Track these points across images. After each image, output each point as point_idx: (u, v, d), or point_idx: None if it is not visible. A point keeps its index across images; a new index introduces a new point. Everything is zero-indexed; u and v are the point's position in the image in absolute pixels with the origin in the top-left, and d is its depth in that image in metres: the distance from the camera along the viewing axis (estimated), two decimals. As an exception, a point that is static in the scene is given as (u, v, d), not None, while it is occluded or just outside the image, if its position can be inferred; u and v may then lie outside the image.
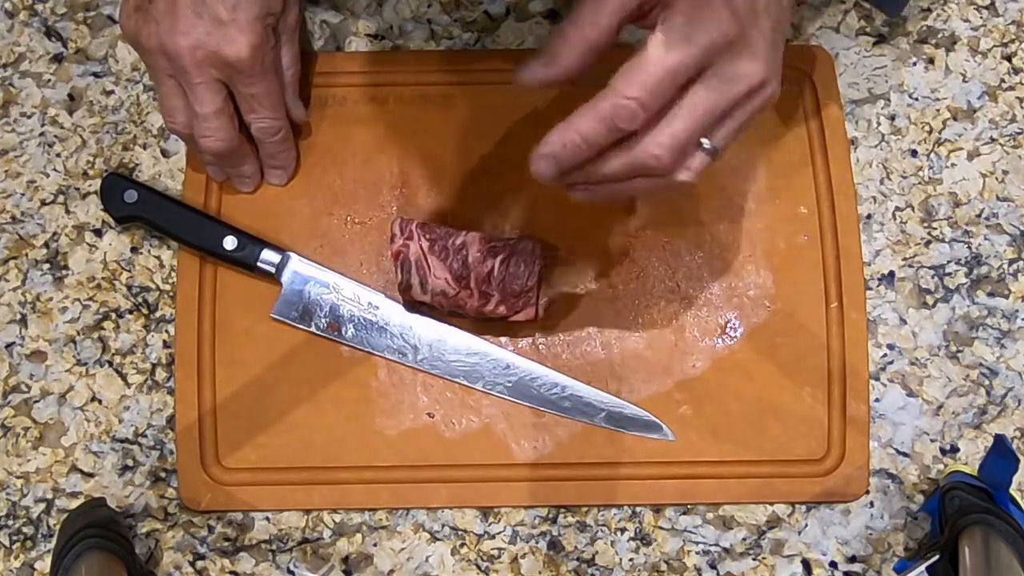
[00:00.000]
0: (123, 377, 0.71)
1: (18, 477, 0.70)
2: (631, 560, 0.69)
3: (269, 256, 0.69)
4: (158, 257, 0.72)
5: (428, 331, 0.70)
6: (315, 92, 0.73)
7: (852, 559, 0.69)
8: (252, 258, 0.69)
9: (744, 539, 0.69)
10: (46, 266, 0.72)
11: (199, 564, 0.69)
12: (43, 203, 0.73)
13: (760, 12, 0.54)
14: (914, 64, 0.75)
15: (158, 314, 0.72)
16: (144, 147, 0.74)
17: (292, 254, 0.70)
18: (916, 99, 0.75)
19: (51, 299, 0.72)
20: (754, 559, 0.69)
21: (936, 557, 0.62)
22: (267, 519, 0.69)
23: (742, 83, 0.54)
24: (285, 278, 0.70)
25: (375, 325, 0.70)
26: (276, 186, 0.71)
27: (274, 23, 0.65)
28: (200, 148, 0.67)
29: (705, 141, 0.54)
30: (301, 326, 0.70)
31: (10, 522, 0.69)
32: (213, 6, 0.62)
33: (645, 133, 0.53)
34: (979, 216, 0.73)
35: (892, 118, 0.74)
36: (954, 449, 0.70)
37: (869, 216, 0.73)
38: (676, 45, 0.52)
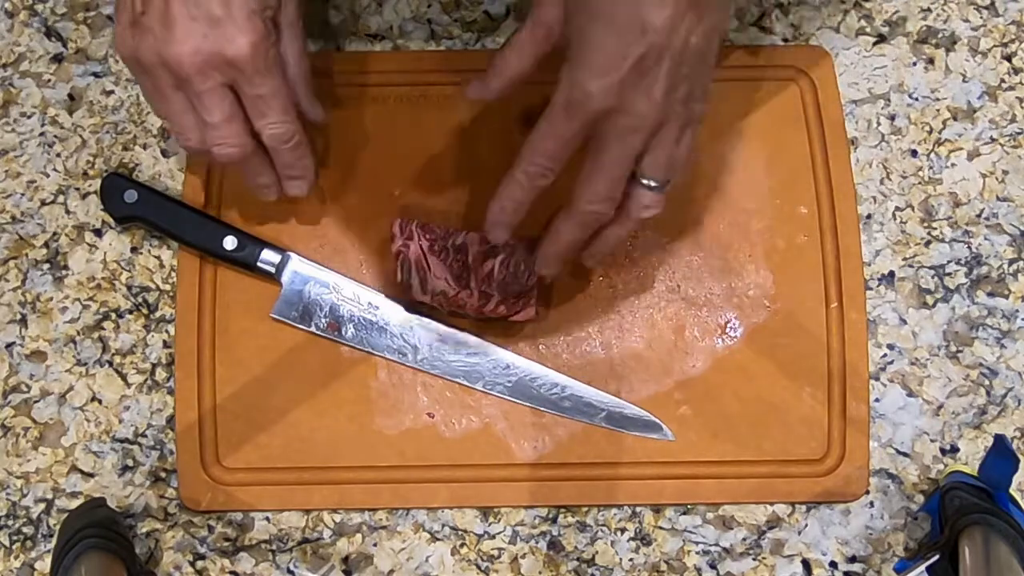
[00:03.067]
0: (123, 377, 0.71)
1: (18, 477, 0.70)
2: (631, 560, 0.69)
3: (269, 256, 0.69)
4: (158, 257, 0.72)
5: (428, 331, 0.70)
6: (315, 92, 0.73)
7: (852, 559, 0.69)
8: (252, 258, 0.69)
9: (744, 539, 0.69)
10: (46, 266, 0.72)
11: (199, 564, 0.69)
12: (43, 203, 0.73)
13: (662, 44, 0.56)
14: (914, 64, 0.75)
15: (158, 314, 0.72)
16: (144, 147, 0.74)
17: (292, 254, 0.70)
18: (916, 99, 0.75)
19: (51, 299, 0.72)
20: (754, 559, 0.69)
21: (936, 557, 0.62)
22: (267, 519, 0.69)
23: (639, 126, 0.57)
24: (285, 278, 0.70)
25: (375, 325, 0.70)
26: (297, 196, 0.68)
27: (272, 15, 0.64)
28: (215, 159, 0.65)
29: (644, 179, 0.59)
30: (301, 326, 0.70)
31: (10, 522, 0.69)
32: (206, 5, 0.60)
33: (577, 194, 0.59)
34: (979, 216, 0.73)
35: (892, 118, 0.74)
36: (954, 449, 0.70)
37: (869, 216, 0.73)
38: (563, 108, 0.57)
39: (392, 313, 0.70)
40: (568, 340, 0.70)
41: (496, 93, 0.63)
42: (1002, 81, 0.75)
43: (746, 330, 0.70)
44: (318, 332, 0.69)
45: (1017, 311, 0.72)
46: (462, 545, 0.69)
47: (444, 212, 0.72)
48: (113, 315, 0.72)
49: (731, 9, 0.57)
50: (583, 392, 0.69)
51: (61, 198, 0.73)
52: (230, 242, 0.69)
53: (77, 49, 0.76)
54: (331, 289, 0.70)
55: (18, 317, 0.72)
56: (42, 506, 0.69)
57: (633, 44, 0.55)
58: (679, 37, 0.56)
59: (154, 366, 0.71)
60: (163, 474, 0.70)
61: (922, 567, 0.63)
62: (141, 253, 0.72)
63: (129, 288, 0.72)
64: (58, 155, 0.74)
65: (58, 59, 0.76)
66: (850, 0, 0.76)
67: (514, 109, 0.72)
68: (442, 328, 0.70)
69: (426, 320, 0.70)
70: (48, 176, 0.74)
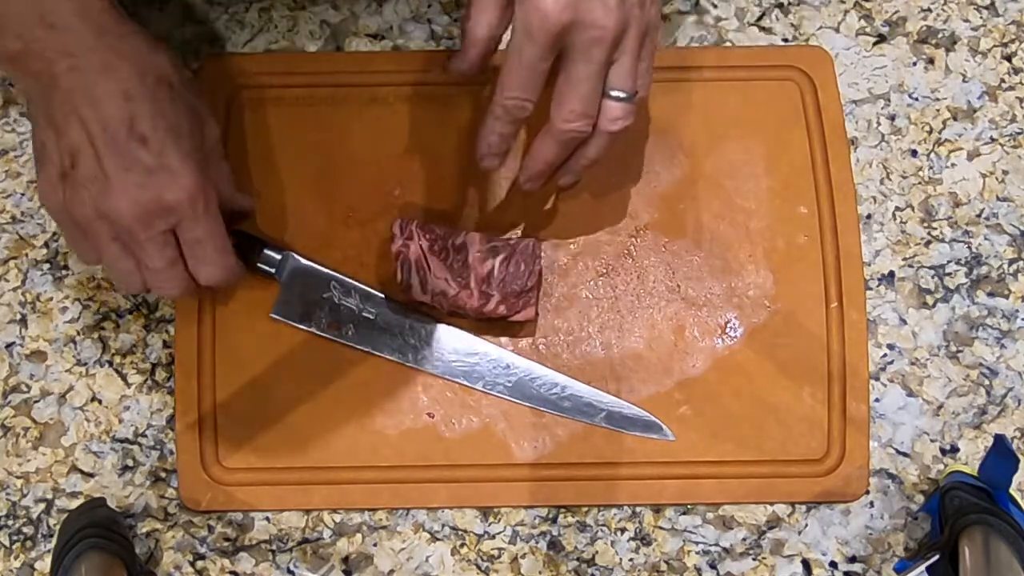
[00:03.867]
0: (123, 377, 0.71)
1: (18, 477, 0.69)
2: (631, 560, 0.69)
3: (269, 255, 0.69)
4: (158, 257, 0.72)
5: (428, 331, 0.70)
6: (315, 92, 0.73)
7: (852, 559, 0.69)
8: (252, 257, 0.69)
9: (744, 539, 0.69)
10: (46, 266, 0.72)
11: (199, 564, 0.69)
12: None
13: None
14: (914, 64, 0.75)
15: (158, 314, 0.72)
16: (144, 147, 0.74)
17: (292, 254, 0.70)
18: (916, 99, 0.75)
19: (51, 299, 0.72)
20: (754, 559, 0.69)
21: (936, 557, 0.62)
22: (267, 519, 0.69)
23: (601, 37, 0.57)
24: (284, 277, 0.70)
25: (375, 325, 0.70)
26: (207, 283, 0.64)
27: (200, 148, 0.62)
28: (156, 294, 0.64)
29: (613, 91, 0.59)
30: (301, 326, 0.70)
31: (10, 522, 0.69)
32: (138, 155, 0.58)
33: (553, 114, 0.60)
34: (979, 216, 0.73)
35: (892, 118, 0.74)
36: (954, 449, 0.70)
37: (869, 216, 0.73)
38: (524, 34, 0.57)
39: (392, 313, 0.70)
40: (568, 340, 0.70)
41: (476, 62, 0.62)
42: (1002, 81, 0.75)
43: (746, 330, 0.70)
44: (318, 332, 0.69)
45: (1017, 311, 0.72)
46: (462, 545, 0.69)
47: (444, 212, 0.72)
48: (113, 315, 0.72)
49: None
50: (583, 392, 0.69)
51: (61, 198, 0.73)
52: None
53: (77, 49, 0.76)
54: (331, 289, 0.70)
55: (18, 317, 0.72)
56: (42, 506, 0.69)
57: None
58: None
59: (154, 366, 0.71)
60: (163, 474, 0.70)
61: (922, 567, 0.63)
62: (141, 253, 0.72)
63: (129, 288, 0.72)
64: (58, 155, 0.74)
65: (58, 59, 0.75)
66: (850, 0, 0.76)
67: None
68: (442, 328, 0.70)
69: (426, 320, 0.70)
70: (48, 176, 0.74)
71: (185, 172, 0.59)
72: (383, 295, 0.70)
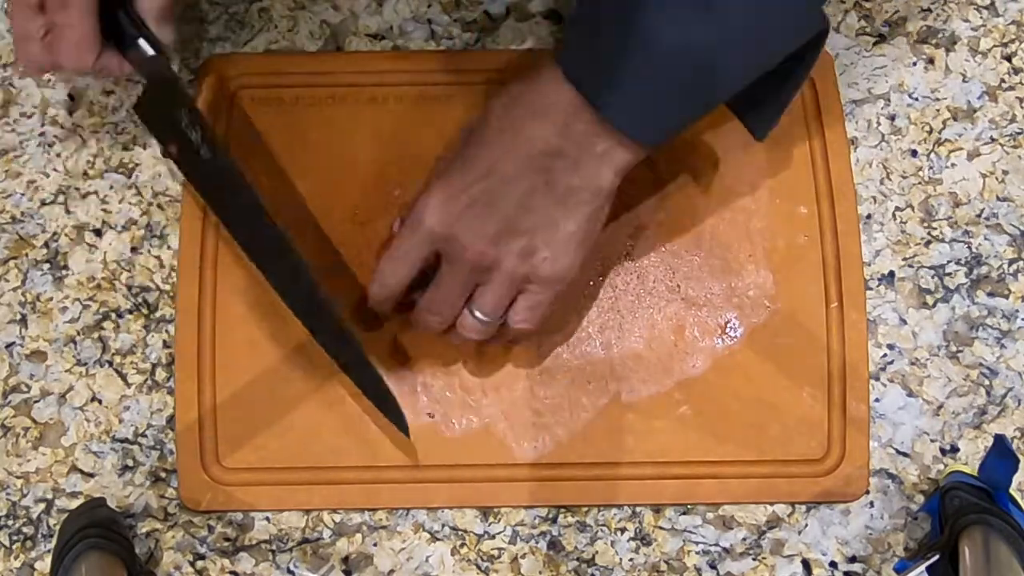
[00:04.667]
0: (123, 377, 0.71)
1: (18, 477, 0.70)
2: (631, 560, 0.69)
3: (141, 49, 0.65)
4: (158, 257, 0.72)
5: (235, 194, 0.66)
6: (315, 92, 0.73)
7: (852, 559, 0.69)
8: (125, 48, 0.65)
9: (744, 539, 0.69)
10: (46, 266, 0.72)
11: (199, 564, 0.69)
12: (43, 203, 0.73)
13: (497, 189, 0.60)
14: (914, 64, 0.75)
15: (158, 314, 0.72)
16: (144, 147, 0.74)
17: (162, 59, 0.66)
18: (916, 99, 0.75)
19: (51, 299, 0.72)
20: (754, 559, 0.69)
21: (936, 557, 0.62)
22: (267, 519, 0.69)
23: (461, 255, 0.61)
24: (147, 79, 0.65)
25: (208, 173, 0.66)
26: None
27: None
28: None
29: (474, 309, 0.63)
30: (153, 137, 0.67)
31: (10, 522, 0.69)
32: None
33: (422, 296, 0.64)
34: (979, 216, 0.73)
35: (892, 118, 0.74)
36: (954, 449, 0.70)
37: (869, 216, 0.73)
38: (407, 224, 0.63)
39: (216, 163, 0.66)
40: (568, 340, 0.70)
41: (388, 311, 0.67)
42: (1002, 81, 0.75)
43: (746, 330, 0.70)
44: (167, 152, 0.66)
45: (1017, 311, 0.72)
46: (462, 545, 0.69)
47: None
48: (113, 315, 0.72)
49: (596, 223, 0.62)
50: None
51: (61, 198, 0.73)
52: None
53: (77, 49, 0.76)
54: (182, 115, 0.65)
55: (18, 317, 0.72)
56: (42, 506, 0.69)
57: (480, 179, 0.60)
58: (519, 188, 0.60)
59: (154, 366, 0.71)
60: (163, 474, 0.70)
61: (922, 567, 0.63)
62: (141, 253, 0.72)
63: (129, 288, 0.72)
64: (58, 155, 0.74)
65: (58, 59, 0.76)
66: (850, 0, 0.76)
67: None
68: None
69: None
70: (48, 176, 0.74)
71: None
72: (214, 150, 0.66)
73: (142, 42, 0.65)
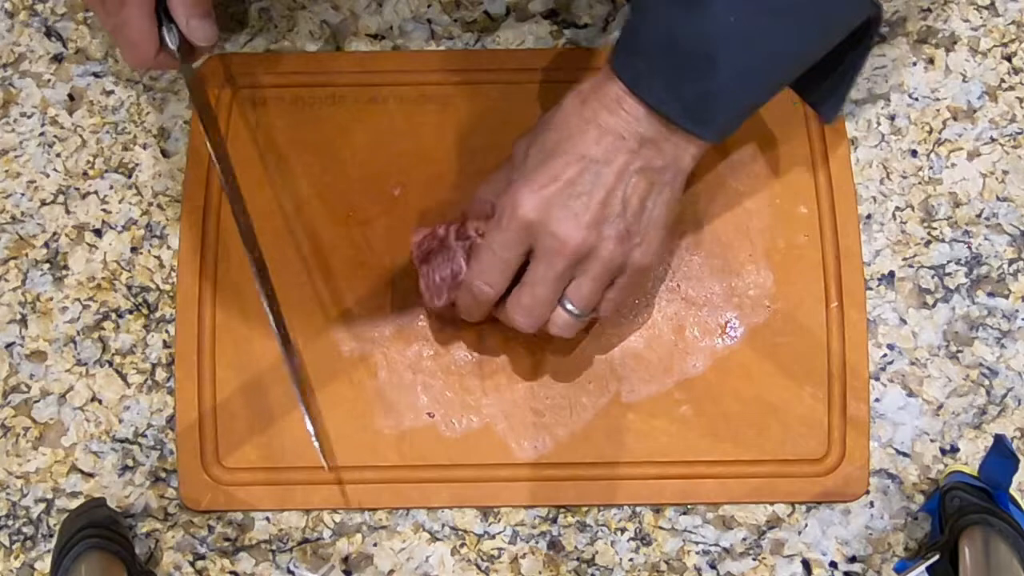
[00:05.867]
0: (123, 377, 0.71)
1: (18, 477, 0.70)
2: (631, 560, 0.69)
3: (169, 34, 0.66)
4: (158, 257, 0.72)
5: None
6: (315, 92, 0.73)
7: (852, 559, 0.69)
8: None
9: (744, 539, 0.69)
10: (46, 266, 0.72)
11: (199, 564, 0.69)
12: (43, 203, 0.73)
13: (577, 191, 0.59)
14: (914, 64, 0.75)
15: (158, 314, 0.72)
16: (144, 147, 0.74)
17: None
18: (916, 99, 0.75)
19: (51, 299, 0.72)
20: (754, 559, 0.69)
21: (936, 557, 0.62)
22: (267, 519, 0.69)
23: (560, 248, 0.59)
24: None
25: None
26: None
27: None
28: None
29: (568, 304, 0.62)
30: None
31: (10, 522, 0.69)
32: None
33: (509, 299, 0.62)
34: (979, 216, 0.73)
35: (892, 118, 0.74)
36: (954, 449, 0.70)
37: (869, 216, 0.73)
38: (498, 219, 0.61)
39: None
40: (568, 340, 0.70)
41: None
42: (1002, 81, 0.75)
43: (746, 330, 0.70)
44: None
45: (1017, 311, 0.72)
46: (462, 545, 0.69)
47: (444, 212, 0.72)
48: (113, 315, 0.72)
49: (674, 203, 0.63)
50: None
51: (61, 198, 0.73)
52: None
53: (77, 49, 0.76)
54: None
55: (18, 317, 0.72)
56: (42, 506, 0.69)
57: (569, 166, 0.59)
58: (612, 170, 0.59)
59: (154, 366, 0.71)
60: (163, 474, 0.70)
61: (922, 567, 0.63)
62: (141, 253, 0.72)
63: (129, 288, 0.72)
64: (58, 155, 0.74)
65: (58, 59, 0.76)
66: (850, 0, 0.76)
67: (516, 111, 0.72)
68: None
69: None
70: (48, 176, 0.74)
71: None
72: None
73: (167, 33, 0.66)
